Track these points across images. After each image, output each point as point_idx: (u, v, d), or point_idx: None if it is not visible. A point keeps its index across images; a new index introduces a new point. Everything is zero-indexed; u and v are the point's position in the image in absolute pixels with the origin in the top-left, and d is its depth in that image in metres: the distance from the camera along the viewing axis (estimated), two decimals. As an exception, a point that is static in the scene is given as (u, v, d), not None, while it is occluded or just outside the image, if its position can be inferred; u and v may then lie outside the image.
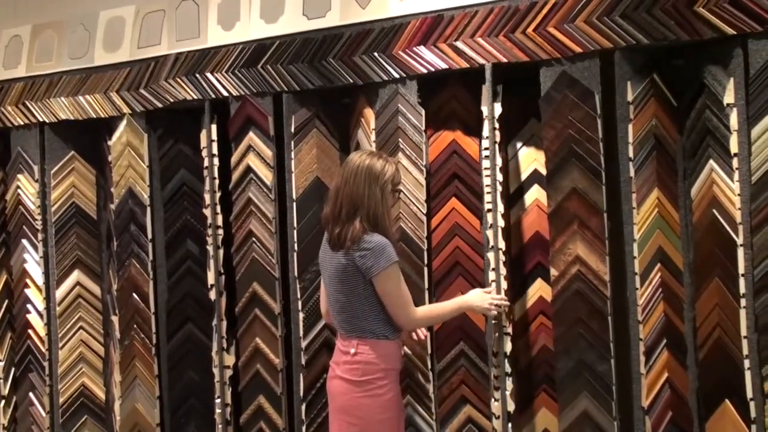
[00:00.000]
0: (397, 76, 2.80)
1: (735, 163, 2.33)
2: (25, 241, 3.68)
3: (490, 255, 2.63)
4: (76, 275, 3.59)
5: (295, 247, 3.00)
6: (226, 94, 3.14)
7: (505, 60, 2.63)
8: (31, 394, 3.71)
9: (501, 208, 2.63)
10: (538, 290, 2.72)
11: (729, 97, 2.34)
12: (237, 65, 3.10)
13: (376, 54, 2.83)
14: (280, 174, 3.08)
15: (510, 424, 2.63)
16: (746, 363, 2.32)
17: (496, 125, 2.63)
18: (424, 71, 2.75)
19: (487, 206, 2.64)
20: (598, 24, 2.48)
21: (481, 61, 2.65)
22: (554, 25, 2.54)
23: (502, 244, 2.61)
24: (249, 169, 3.11)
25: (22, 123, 3.68)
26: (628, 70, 2.49)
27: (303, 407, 3.00)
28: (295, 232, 3.01)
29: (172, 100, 3.27)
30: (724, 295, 2.37)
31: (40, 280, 3.65)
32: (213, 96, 3.17)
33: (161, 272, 3.38)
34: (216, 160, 3.19)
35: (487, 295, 2.55)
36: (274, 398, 3.09)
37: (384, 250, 2.38)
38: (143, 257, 3.36)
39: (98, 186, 3.66)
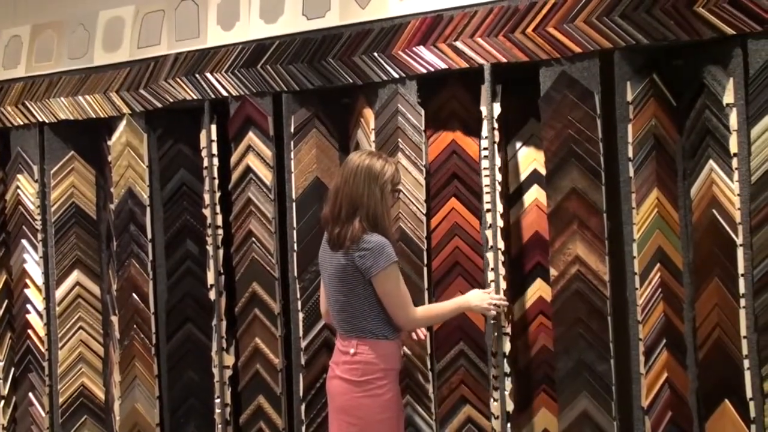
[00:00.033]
0: (396, 76, 2.80)
1: (734, 163, 2.33)
2: (24, 241, 3.68)
3: (489, 255, 2.63)
4: (75, 275, 3.59)
5: (295, 247, 3.00)
6: (225, 94, 3.14)
7: (504, 60, 2.63)
8: (30, 394, 3.71)
9: (500, 208, 2.63)
10: (538, 290, 2.72)
11: (728, 97, 2.34)
12: (236, 65, 3.10)
13: (375, 54, 2.83)
14: (279, 174, 3.08)
15: (509, 424, 2.63)
16: (746, 363, 2.32)
17: (495, 125, 2.63)
18: (424, 71, 2.75)
19: (486, 206, 2.64)
20: (598, 24, 2.48)
21: (481, 61, 2.65)
22: (554, 25, 2.54)
23: (501, 244, 2.61)
24: (248, 169, 3.11)
25: (21, 123, 3.68)
26: (627, 70, 2.49)
27: (302, 407, 3.00)
28: (294, 232, 3.01)
29: (171, 100, 3.27)
30: (723, 295, 2.37)
31: (39, 280, 3.65)
32: (212, 96, 3.17)
33: (161, 272, 3.38)
34: (215, 160, 3.19)
35: (486, 295, 2.55)
36: (274, 398, 3.09)
37: (383, 250, 2.38)
38: (143, 257, 3.36)
39: (98, 186, 3.66)
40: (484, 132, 2.66)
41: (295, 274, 3.00)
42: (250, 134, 3.10)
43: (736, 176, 2.33)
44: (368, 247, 2.37)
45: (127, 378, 3.42)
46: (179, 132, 3.39)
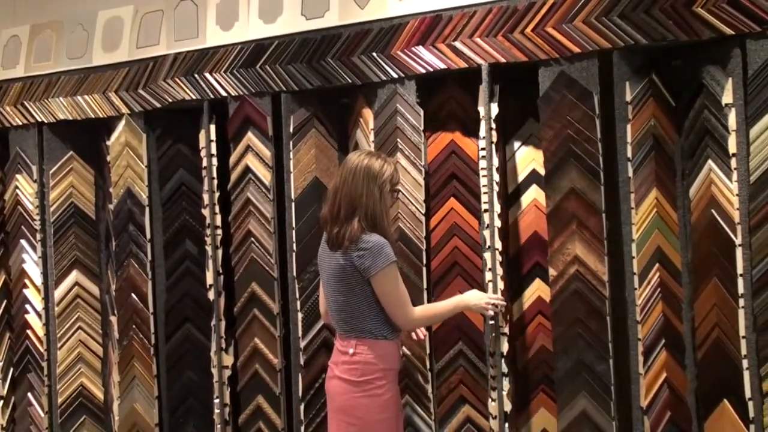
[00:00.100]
0: (395, 76, 2.80)
1: (733, 163, 2.34)
2: (23, 242, 3.68)
3: (487, 255, 2.63)
4: (74, 275, 3.59)
5: (294, 247, 3.00)
6: (224, 94, 3.14)
7: (503, 60, 2.63)
8: (29, 395, 3.71)
9: (498, 208, 2.62)
10: (537, 290, 2.72)
11: (727, 97, 2.34)
12: (236, 65, 3.10)
13: (374, 54, 2.83)
14: (278, 174, 3.08)
15: (507, 424, 2.62)
16: (745, 363, 2.32)
17: (493, 125, 2.63)
18: (423, 71, 2.75)
19: (484, 206, 2.64)
20: (597, 24, 2.48)
21: (480, 61, 2.65)
22: (553, 26, 2.54)
23: (498, 245, 2.61)
24: (248, 169, 3.11)
25: (20, 123, 3.67)
26: (626, 70, 2.49)
27: (302, 407, 3.00)
28: (293, 232, 3.00)
29: (170, 100, 3.27)
30: (722, 295, 2.37)
31: (38, 280, 3.65)
32: (211, 96, 3.17)
33: (160, 272, 3.38)
34: (215, 160, 3.19)
35: (484, 295, 2.55)
36: (273, 398, 3.09)
37: (382, 249, 2.37)
38: (142, 257, 3.36)
39: (97, 186, 3.66)
40: (482, 132, 2.66)
41: (294, 274, 3.00)
42: (249, 134, 3.10)
43: (734, 176, 2.33)
44: (367, 246, 2.37)
45: (126, 378, 3.42)
46: (178, 132, 3.39)
